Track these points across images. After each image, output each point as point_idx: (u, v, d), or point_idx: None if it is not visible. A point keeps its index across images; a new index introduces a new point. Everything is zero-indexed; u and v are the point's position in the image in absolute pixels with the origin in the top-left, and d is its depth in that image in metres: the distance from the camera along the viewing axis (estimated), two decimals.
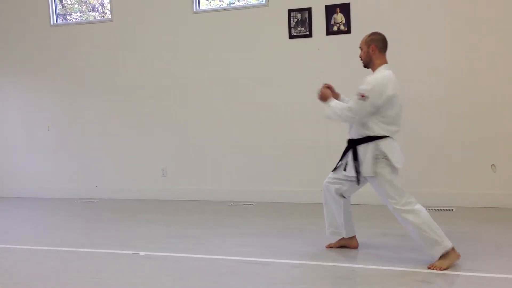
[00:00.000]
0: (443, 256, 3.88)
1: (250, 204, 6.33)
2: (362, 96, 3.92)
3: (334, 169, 4.39)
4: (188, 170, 6.92)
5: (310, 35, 6.26)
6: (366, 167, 4.01)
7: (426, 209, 3.95)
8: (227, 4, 6.85)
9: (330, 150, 6.31)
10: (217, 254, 4.46)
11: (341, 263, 4.12)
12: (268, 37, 6.45)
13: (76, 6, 7.96)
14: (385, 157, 3.95)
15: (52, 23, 7.37)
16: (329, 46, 6.21)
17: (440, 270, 3.81)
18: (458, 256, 3.93)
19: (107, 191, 7.29)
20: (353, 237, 4.48)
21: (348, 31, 6.12)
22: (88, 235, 5.39)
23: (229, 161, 6.71)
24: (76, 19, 7.83)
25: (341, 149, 6.23)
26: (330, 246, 4.55)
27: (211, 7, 6.87)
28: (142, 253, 4.58)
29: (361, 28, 6.08)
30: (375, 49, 4.07)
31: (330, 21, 6.16)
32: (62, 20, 7.61)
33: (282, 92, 6.43)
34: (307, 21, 6.23)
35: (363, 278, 3.79)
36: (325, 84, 4.34)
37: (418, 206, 3.93)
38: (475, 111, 5.81)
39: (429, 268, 3.86)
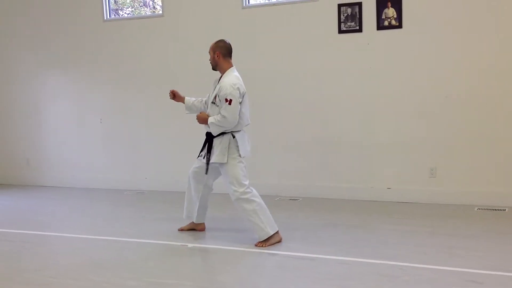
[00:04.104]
0: (267, 239, 4.52)
1: (296, 200, 6.33)
2: (228, 101, 4.44)
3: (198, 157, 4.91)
4: None
5: (360, 30, 6.18)
6: (218, 155, 4.55)
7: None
8: None
9: (377, 147, 6.25)
10: (262, 248, 4.49)
11: (388, 261, 4.08)
12: (317, 32, 6.41)
13: (128, 1, 8.13)
14: (237, 147, 4.53)
15: (105, 18, 7.55)
16: (380, 42, 6.12)
17: (262, 246, 4.48)
18: (280, 239, 4.62)
19: (156, 183, 7.42)
20: (202, 223, 5.11)
21: (399, 26, 6.00)
22: (137, 225, 5.51)
23: (276, 155, 6.72)
24: (128, 14, 8.00)
25: (389, 146, 6.22)
26: (181, 229, 5.13)
27: (260, 2, 6.88)
28: (190, 245, 4.65)
29: (413, 23, 5.98)
30: (219, 55, 4.66)
31: (381, 16, 6.07)
32: (114, 15, 7.79)
33: (331, 88, 6.38)
34: (357, 16, 6.16)
35: (410, 277, 3.74)
36: (171, 90, 4.93)
37: (252, 195, 4.52)
38: None
39: (255, 245, 4.51)
